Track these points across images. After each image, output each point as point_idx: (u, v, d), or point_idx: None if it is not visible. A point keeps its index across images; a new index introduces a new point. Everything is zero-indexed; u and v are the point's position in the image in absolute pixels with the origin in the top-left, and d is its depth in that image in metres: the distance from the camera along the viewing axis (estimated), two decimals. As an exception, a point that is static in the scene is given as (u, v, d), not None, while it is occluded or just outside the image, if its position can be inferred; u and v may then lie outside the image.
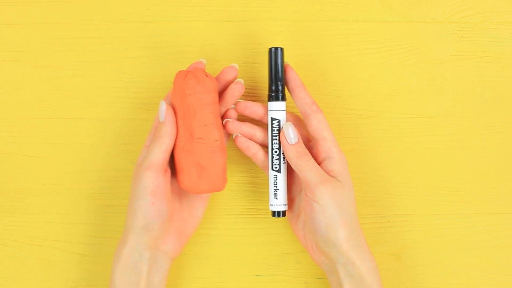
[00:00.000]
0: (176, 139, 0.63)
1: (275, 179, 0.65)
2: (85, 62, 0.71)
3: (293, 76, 0.64)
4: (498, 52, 0.71)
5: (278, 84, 0.64)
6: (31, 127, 0.71)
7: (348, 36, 0.71)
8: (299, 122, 0.67)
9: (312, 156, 0.64)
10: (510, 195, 0.70)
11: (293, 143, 0.62)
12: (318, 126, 0.63)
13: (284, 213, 0.65)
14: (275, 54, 0.64)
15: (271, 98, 0.65)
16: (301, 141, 0.63)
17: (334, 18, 0.71)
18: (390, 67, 0.71)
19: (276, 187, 0.65)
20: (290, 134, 0.63)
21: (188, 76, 0.62)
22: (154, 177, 0.61)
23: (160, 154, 0.62)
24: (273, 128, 0.64)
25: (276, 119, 0.64)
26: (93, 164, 0.70)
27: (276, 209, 0.65)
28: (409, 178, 0.70)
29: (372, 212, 0.70)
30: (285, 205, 0.65)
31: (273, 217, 0.68)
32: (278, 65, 0.64)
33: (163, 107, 0.63)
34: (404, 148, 0.70)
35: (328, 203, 0.61)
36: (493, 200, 0.70)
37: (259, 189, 0.70)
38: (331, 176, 0.62)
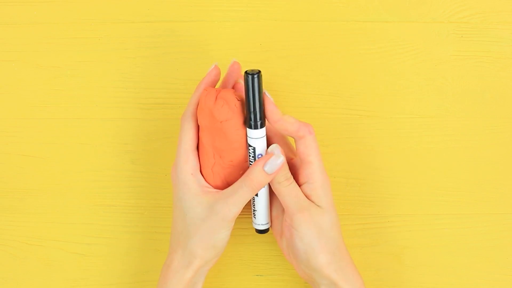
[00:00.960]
0: (204, 158, 0.62)
1: (253, 201, 0.64)
2: (85, 62, 0.71)
3: (271, 109, 0.60)
4: (498, 52, 0.71)
5: (256, 112, 0.59)
6: (31, 127, 0.71)
7: (348, 36, 0.71)
8: (284, 140, 0.66)
9: (296, 175, 0.63)
10: (510, 195, 0.70)
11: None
12: (304, 151, 0.61)
13: (265, 231, 0.65)
14: (252, 81, 0.58)
15: (250, 126, 0.60)
16: (284, 165, 0.61)
17: (334, 18, 0.71)
18: (390, 67, 0.71)
19: (254, 208, 0.64)
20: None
21: (219, 102, 0.60)
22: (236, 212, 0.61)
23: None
24: (249, 154, 0.61)
25: (252, 147, 0.61)
26: (93, 164, 0.70)
27: (257, 227, 0.65)
28: (409, 178, 0.70)
29: (372, 212, 0.70)
30: (264, 224, 0.65)
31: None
32: (255, 91, 0.59)
33: (280, 160, 0.60)
34: (404, 148, 0.70)
35: (305, 230, 0.61)
36: (493, 200, 0.70)
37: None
38: (311, 201, 0.62)
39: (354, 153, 0.70)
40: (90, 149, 0.70)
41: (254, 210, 0.64)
